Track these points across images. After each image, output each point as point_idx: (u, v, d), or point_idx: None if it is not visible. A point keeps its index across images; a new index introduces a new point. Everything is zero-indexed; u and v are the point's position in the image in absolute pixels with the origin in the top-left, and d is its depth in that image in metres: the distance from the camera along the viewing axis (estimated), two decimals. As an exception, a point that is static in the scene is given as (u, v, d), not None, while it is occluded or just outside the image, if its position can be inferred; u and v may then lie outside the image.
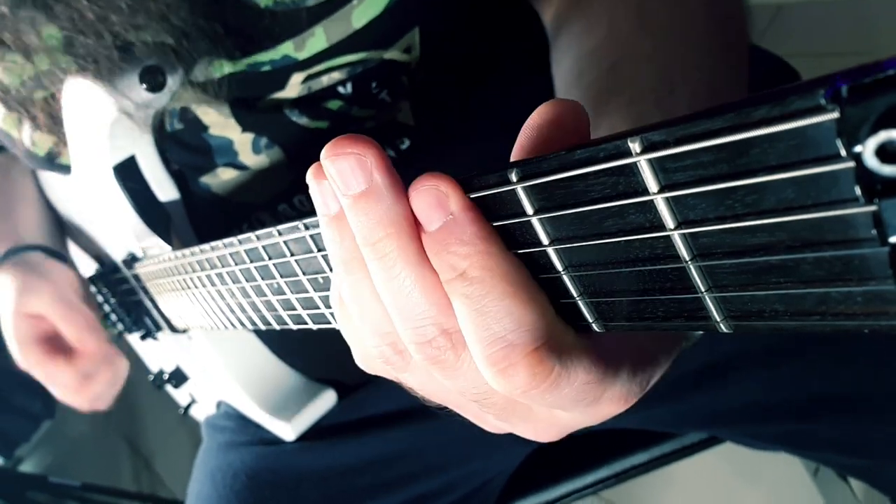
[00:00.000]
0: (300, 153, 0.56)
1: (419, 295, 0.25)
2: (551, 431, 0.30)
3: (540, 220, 0.23)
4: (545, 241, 0.23)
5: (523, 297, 0.23)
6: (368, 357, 0.30)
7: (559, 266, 0.23)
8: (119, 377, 0.71)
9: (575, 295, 0.24)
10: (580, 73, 0.44)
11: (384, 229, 0.24)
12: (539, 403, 0.26)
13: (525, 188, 0.22)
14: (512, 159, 0.25)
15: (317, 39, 0.48)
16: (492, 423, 0.31)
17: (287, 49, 0.48)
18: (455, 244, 0.24)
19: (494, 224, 0.24)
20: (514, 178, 0.23)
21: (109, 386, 0.70)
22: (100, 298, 0.73)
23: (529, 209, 0.23)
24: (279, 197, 0.58)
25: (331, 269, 0.33)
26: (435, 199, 0.24)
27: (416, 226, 0.25)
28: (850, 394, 0.55)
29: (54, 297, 0.66)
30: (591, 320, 0.24)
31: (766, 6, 1.66)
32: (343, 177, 0.24)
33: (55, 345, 0.67)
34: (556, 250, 0.23)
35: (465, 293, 0.24)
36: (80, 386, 0.67)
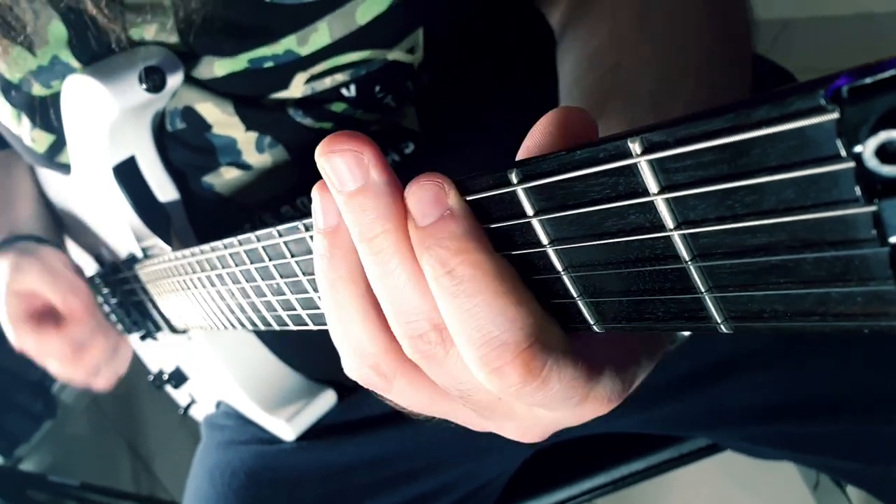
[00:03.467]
0: (304, 153, 0.56)
1: (412, 290, 0.25)
2: (535, 430, 0.30)
3: (540, 220, 0.23)
4: (545, 241, 0.23)
5: (515, 297, 0.24)
6: (351, 372, 0.31)
7: (559, 266, 0.24)
8: (119, 353, 0.71)
9: (575, 295, 0.24)
10: (580, 76, 0.44)
11: (381, 225, 0.24)
12: (528, 402, 0.26)
13: (525, 189, 0.23)
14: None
15: (320, 35, 0.48)
16: (478, 424, 0.31)
17: (290, 43, 0.48)
18: (448, 238, 0.24)
19: (495, 225, 0.24)
20: (514, 179, 0.23)
21: (106, 358, 0.69)
22: (99, 299, 0.73)
23: (530, 210, 0.23)
24: (282, 198, 0.58)
25: None
26: (435, 194, 0.24)
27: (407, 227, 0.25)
28: (850, 396, 0.55)
29: (41, 269, 0.66)
30: (591, 321, 0.24)
31: (772, 22, 1.66)
32: (339, 174, 0.24)
33: (47, 318, 0.67)
34: (556, 251, 0.23)
35: (453, 291, 0.24)
36: (73, 354, 0.67)
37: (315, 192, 0.26)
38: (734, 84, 0.42)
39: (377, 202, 0.24)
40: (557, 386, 0.25)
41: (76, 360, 0.68)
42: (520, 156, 0.25)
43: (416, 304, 0.25)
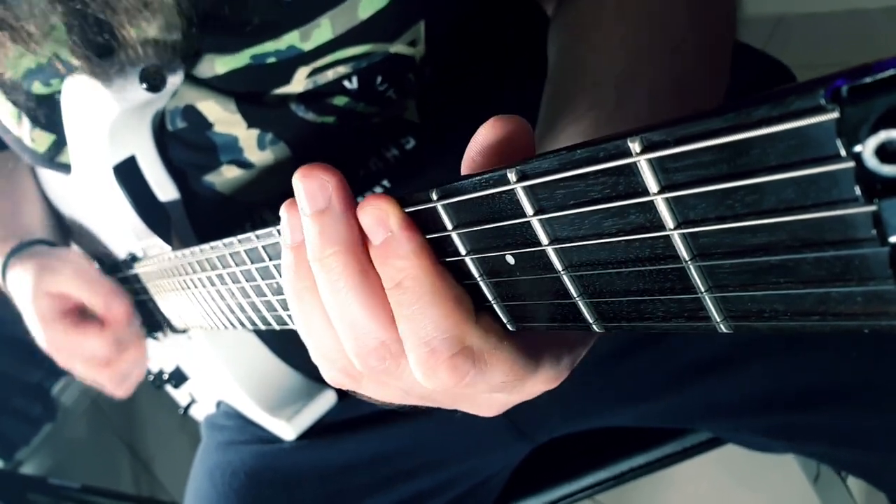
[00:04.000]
0: (306, 149, 0.56)
1: (359, 308, 0.28)
2: (492, 409, 0.33)
3: (540, 220, 0.23)
4: (545, 241, 0.23)
5: (446, 308, 0.27)
6: (324, 375, 0.34)
7: (559, 266, 0.24)
8: (143, 358, 0.70)
9: (575, 295, 0.24)
10: (556, 61, 0.48)
11: (332, 246, 0.27)
12: (470, 393, 0.29)
13: (525, 188, 0.23)
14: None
15: (323, 30, 0.48)
16: (446, 406, 0.34)
17: (293, 39, 0.48)
18: (393, 257, 0.27)
19: (495, 225, 0.24)
20: (513, 178, 0.23)
21: (136, 364, 0.68)
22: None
23: (529, 210, 0.23)
24: (283, 194, 0.58)
25: None
26: (376, 217, 0.27)
27: (363, 246, 0.28)
28: (849, 385, 0.55)
29: (75, 271, 0.64)
30: (590, 320, 0.24)
31: (766, 18, 1.66)
32: (308, 195, 0.28)
33: (82, 318, 0.65)
34: (556, 250, 0.23)
35: (400, 301, 0.27)
36: (111, 356, 0.66)
37: (283, 210, 0.30)
38: (704, 67, 0.44)
39: (332, 226, 0.27)
40: (483, 385, 0.28)
41: (110, 365, 0.67)
42: (463, 163, 0.27)
43: (364, 322, 0.28)
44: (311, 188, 0.28)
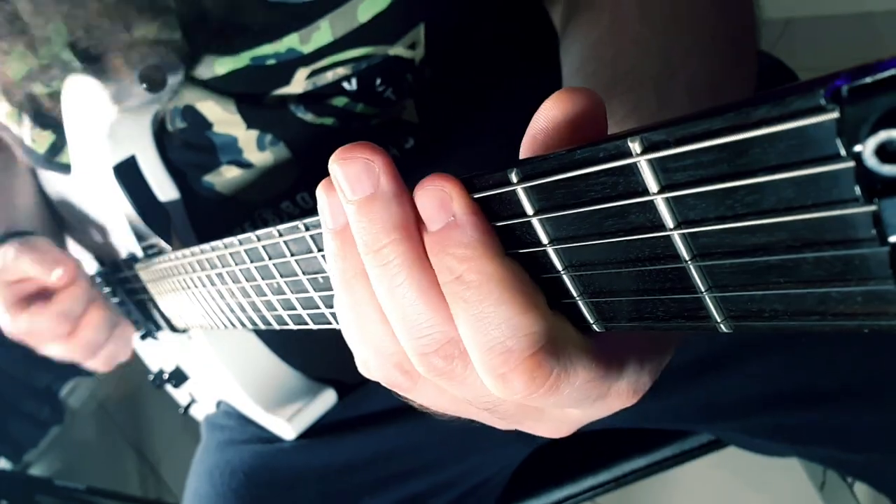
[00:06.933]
0: (305, 150, 0.56)
1: (422, 304, 0.25)
2: (563, 428, 0.30)
3: (540, 220, 0.23)
4: (545, 240, 0.23)
5: (520, 303, 0.23)
6: (371, 373, 0.30)
7: (559, 266, 0.23)
8: (119, 333, 0.67)
9: (575, 295, 0.24)
10: (581, 65, 0.44)
11: (388, 235, 0.24)
12: (543, 405, 0.26)
13: (525, 188, 0.23)
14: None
15: (322, 33, 0.48)
16: (505, 425, 0.31)
17: (292, 42, 0.48)
18: (454, 246, 0.23)
19: (495, 224, 0.24)
20: (514, 178, 0.23)
21: (103, 332, 0.66)
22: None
23: (530, 209, 0.23)
24: (282, 194, 0.58)
25: None
26: (439, 200, 0.24)
27: (419, 232, 0.24)
28: (851, 384, 0.55)
29: (29, 251, 0.62)
30: (591, 320, 0.24)
31: (774, 21, 1.66)
32: (350, 181, 0.24)
33: (38, 298, 0.63)
34: (556, 250, 0.23)
35: (463, 297, 0.24)
36: (67, 329, 0.63)
37: (321, 192, 0.26)
38: (734, 64, 0.42)
39: (385, 211, 0.24)
40: (568, 389, 0.24)
41: (72, 336, 0.64)
42: (524, 142, 0.24)
43: (426, 318, 0.25)
44: (354, 171, 0.24)
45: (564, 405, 0.26)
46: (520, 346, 0.23)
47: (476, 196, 0.24)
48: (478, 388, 0.26)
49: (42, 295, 0.63)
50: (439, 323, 0.25)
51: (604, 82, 0.40)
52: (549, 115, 0.23)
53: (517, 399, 0.24)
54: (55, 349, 0.65)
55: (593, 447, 0.72)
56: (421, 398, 0.30)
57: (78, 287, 0.63)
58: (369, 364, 0.29)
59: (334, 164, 0.24)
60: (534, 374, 0.23)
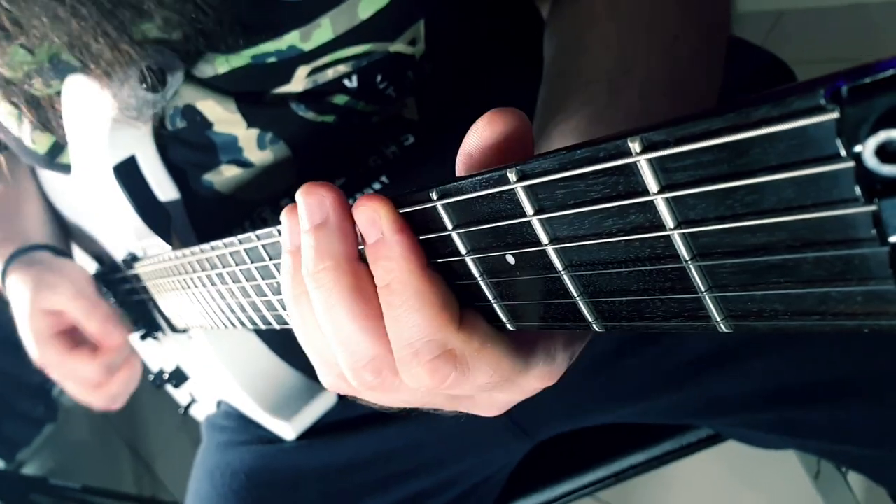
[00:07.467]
0: (305, 148, 0.56)
1: (350, 324, 0.29)
2: (493, 409, 0.34)
3: (540, 220, 0.23)
4: (545, 240, 0.23)
5: (430, 313, 0.27)
6: (322, 379, 0.34)
7: (559, 266, 0.24)
8: (135, 377, 0.70)
9: (575, 295, 0.24)
10: (551, 63, 0.48)
11: (323, 261, 0.28)
12: (461, 393, 0.30)
13: (525, 188, 0.23)
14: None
15: (323, 30, 0.48)
16: (447, 408, 0.34)
17: (293, 39, 0.48)
18: (382, 259, 0.27)
19: (496, 224, 0.24)
20: (513, 178, 0.23)
21: (127, 384, 0.69)
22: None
23: (530, 209, 0.23)
24: (282, 193, 0.58)
25: None
26: (370, 219, 0.27)
27: (356, 263, 0.28)
28: (849, 379, 0.55)
29: (73, 292, 0.65)
30: (591, 320, 0.24)
31: (766, 13, 1.66)
32: (307, 210, 0.28)
33: (75, 339, 0.66)
34: (556, 250, 0.23)
35: (388, 301, 0.28)
36: (102, 380, 0.66)
37: (284, 216, 0.30)
38: (699, 64, 0.44)
39: (326, 239, 0.28)
40: (468, 386, 0.29)
41: (100, 387, 0.67)
42: (459, 160, 0.27)
43: (356, 338, 0.29)
44: (310, 204, 0.28)
45: (483, 391, 0.30)
46: (425, 349, 0.28)
47: (475, 196, 0.24)
48: (411, 391, 0.30)
49: (78, 334, 0.67)
50: (367, 340, 0.29)
51: (566, 74, 0.45)
52: (483, 134, 0.26)
53: (427, 391, 0.29)
54: (78, 391, 0.68)
55: (593, 442, 0.73)
56: (368, 400, 0.34)
57: (124, 347, 0.67)
58: (319, 371, 0.33)
59: (299, 194, 0.28)
60: (434, 375, 0.28)
